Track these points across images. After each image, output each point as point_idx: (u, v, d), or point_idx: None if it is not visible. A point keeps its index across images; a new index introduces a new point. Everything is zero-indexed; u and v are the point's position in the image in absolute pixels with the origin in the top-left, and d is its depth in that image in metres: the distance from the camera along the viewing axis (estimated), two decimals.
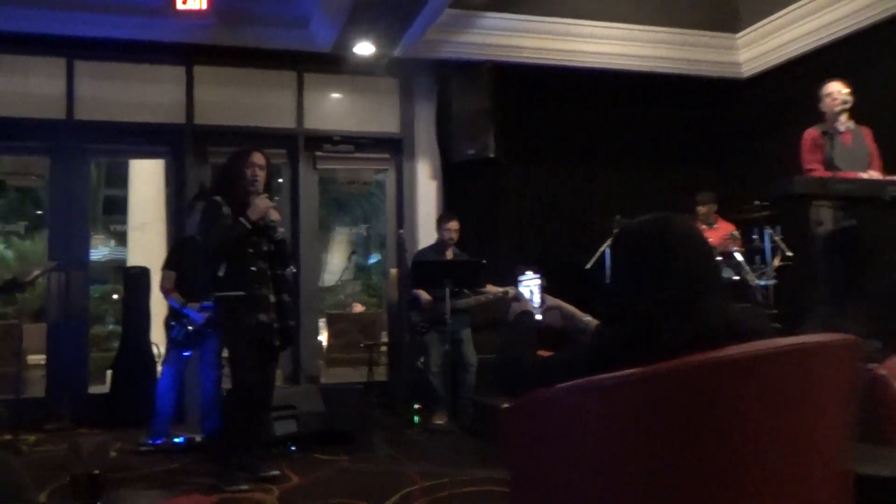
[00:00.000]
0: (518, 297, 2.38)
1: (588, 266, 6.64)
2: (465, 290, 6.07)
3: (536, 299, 2.46)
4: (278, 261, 4.14)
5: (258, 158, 4.12)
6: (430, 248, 6.34)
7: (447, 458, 4.68)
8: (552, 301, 2.39)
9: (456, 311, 5.87)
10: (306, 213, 7.24)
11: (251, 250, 4.01)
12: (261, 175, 4.10)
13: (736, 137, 7.77)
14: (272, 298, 4.05)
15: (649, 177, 7.64)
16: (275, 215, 4.10)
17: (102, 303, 11.40)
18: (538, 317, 2.33)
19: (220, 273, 4.01)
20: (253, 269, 3.99)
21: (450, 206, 7.13)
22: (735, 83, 7.75)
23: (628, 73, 7.38)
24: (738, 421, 1.38)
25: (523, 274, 2.71)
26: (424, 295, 6.00)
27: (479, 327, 6.22)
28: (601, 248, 6.62)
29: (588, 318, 2.25)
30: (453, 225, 6.15)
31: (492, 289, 6.02)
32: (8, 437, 5.12)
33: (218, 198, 4.07)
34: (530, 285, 2.56)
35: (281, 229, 4.17)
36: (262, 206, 4.03)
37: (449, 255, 6.21)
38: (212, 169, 7.01)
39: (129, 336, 6.50)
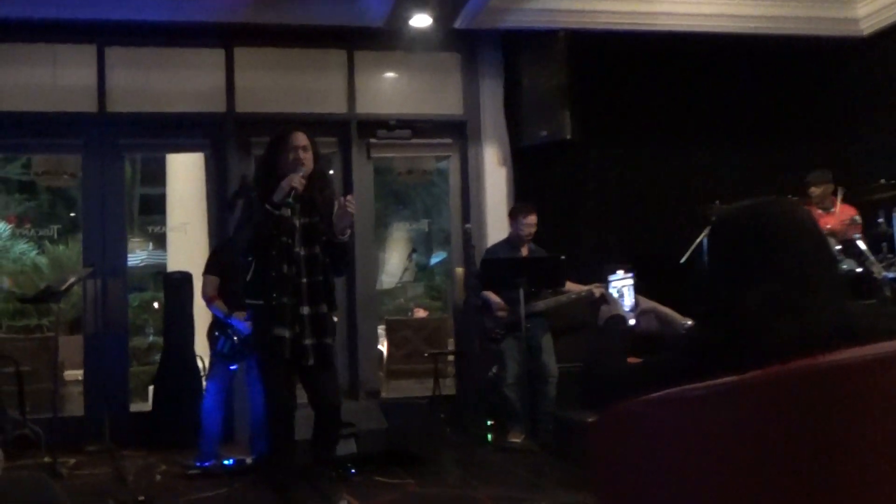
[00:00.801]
0: (607, 299, 2.38)
1: (683, 260, 6.56)
2: (544, 291, 6.07)
3: (628, 301, 2.46)
4: (317, 260, 3.95)
5: (298, 139, 3.99)
6: (502, 243, 6.36)
7: (525, 481, 4.70)
8: (646, 303, 2.39)
9: (533, 314, 5.88)
10: (360, 207, 7.29)
11: (274, 252, 3.87)
12: (305, 158, 3.96)
13: (855, 106, 7.53)
14: (305, 310, 3.91)
15: (752, 156, 7.47)
16: (296, 181, 3.87)
17: (142, 312, 11.75)
18: (631, 321, 2.33)
19: (248, 277, 3.97)
20: (273, 273, 3.85)
21: (521, 194, 7.13)
22: (852, 42, 7.52)
23: (724, 35, 7.23)
24: (853, 433, 1.36)
25: (613, 272, 2.71)
26: (495, 297, 6.03)
27: (560, 332, 6.22)
28: (697, 240, 6.53)
29: (688, 321, 2.24)
30: (531, 219, 6.15)
31: (573, 287, 6.01)
32: (46, 459, 5.33)
33: (253, 194, 4.05)
34: (621, 285, 2.56)
35: (350, 211, 3.89)
36: (286, 183, 3.86)
37: (524, 251, 6.22)
38: (255, 162, 7.19)
39: (171, 348, 6.70)
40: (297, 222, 3.95)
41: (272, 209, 3.85)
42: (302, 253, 3.95)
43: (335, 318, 4.18)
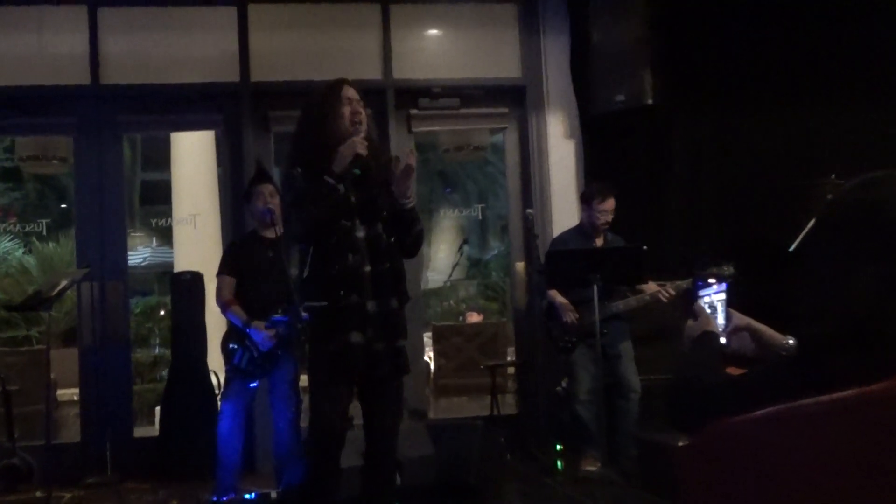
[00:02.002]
0: (696, 313, 2.36)
1: (792, 248, 6.46)
2: (621, 289, 6.03)
3: (721, 318, 2.44)
4: (381, 245, 3.87)
5: (351, 91, 3.93)
6: (572, 232, 6.33)
7: None
8: (740, 319, 2.36)
9: (611, 317, 5.85)
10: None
11: (335, 238, 3.80)
12: (363, 118, 3.90)
13: None
14: (371, 307, 3.84)
15: (877, 120, 7.32)
16: (360, 145, 3.81)
17: (146, 320, 11.94)
18: (722, 339, 2.31)
19: (305, 273, 3.86)
20: (336, 266, 3.78)
21: (592, 172, 7.09)
22: None
23: None
24: None
25: (703, 283, 2.68)
26: (560, 298, 6.02)
27: (642, 339, 6.18)
28: (810, 224, 6.43)
29: (791, 340, 2.21)
30: (608, 204, 6.11)
31: (652, 287, 5.96)
32: (39, 493, 5.44)
33: (297, 170, 3.87)
34: (713, 300, 2.54)
35: (412, 166, 3.82)
36: (348, 149, 3.79)
37: (599, 241, 6.19)
38: (273, 140, 7.24)
39: (180, 362, 6.80)
40: (353, 199, 3.86)
41: (335, 183, 3.76)
42: (361, 235, 3.86)
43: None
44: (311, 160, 3.84)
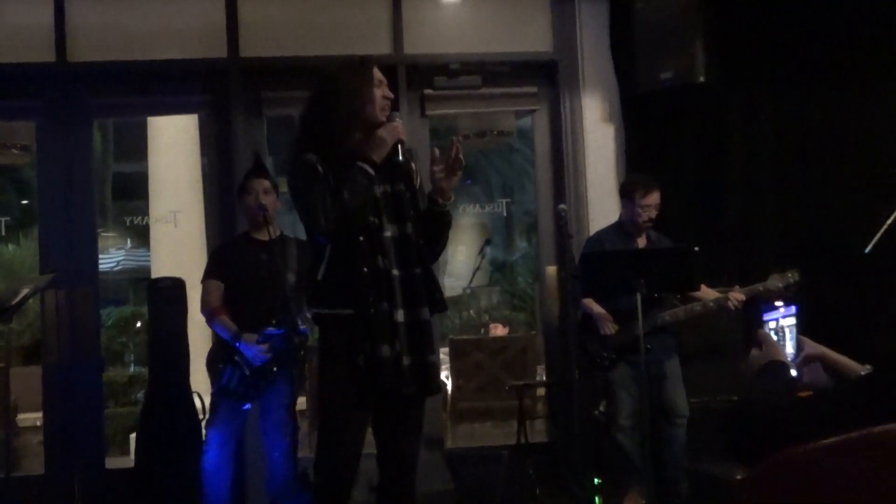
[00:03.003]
0: (761, 341, 2.36)
1: (868, 249, 6.44)
2: (668, 297, 6.03)
3: (790, 346, 2.44)
4: (412, 247, 3.86)
5: (378, 74, 3.94)
6: (610, 231, 6.33)
7: None
8: (813, 348, 2.36)
9: (655, 330, 5.84)
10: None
11: (362, 237, 3.77)
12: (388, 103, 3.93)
13: None
14: (400, 316, 3.82)
15: None
16: (402, 129, 3.84)
17: (119, 333, 11.99)
18: (792, 371, 2.30)
19: (320, 276, 3.80)
20: (365, 269, 3.75)
21: (635, 161, 7.09)
22: None
23: None
24: None
25: (769, 306, 2.68)
26: (596, 307, 6.01)
27: (690, 355, 6.17)
28: (889, 220, 6.41)
29: (867, 368, 2.20)
30: (652, 199, 6.10)
31: (707, 293, 5.95)
32: None
33: (311, 156, 3.82)
34: (781, 324, 2.53)
35: (461, 160, 3.91)
36: (391, 133, 3.81)
37: (641, 241, 6.19)
38: (266, 126, 7.26)
39: (159, 383, 6.79)
40: (377, 192, 3.85)
41: (370, 168, 3.73)
42: (389, 234, 3.85)
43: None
44: (330, 146, 3.81)
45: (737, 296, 5.88)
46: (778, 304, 2.60)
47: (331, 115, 3.87)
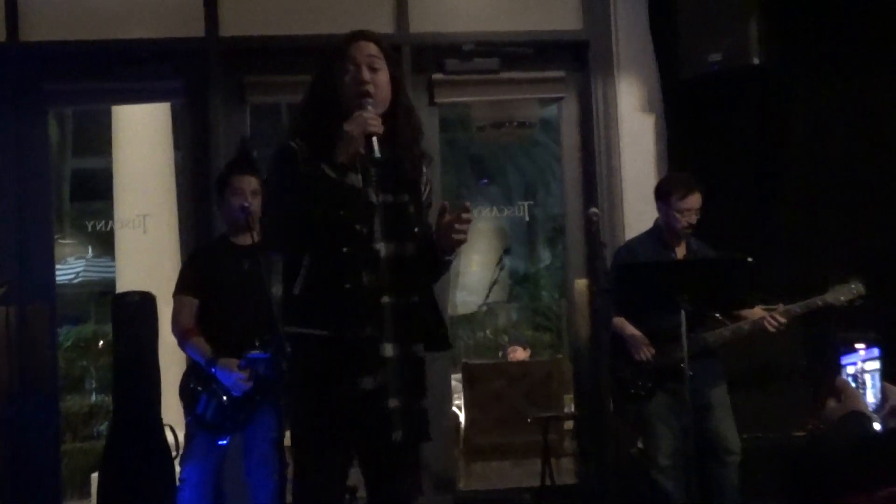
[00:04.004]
0: (839, 390, 2.37)
1: None
2: (712, 315, 6.02)
3: (871, 394, 2.45)
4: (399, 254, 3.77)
5: (365, 48, 3.83)
6: (643, 239, 6.31)
7: None
8: None
9: (699, 354, 5.84)
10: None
11: (344, 249, 3.69)
12: (376, 81, 3.79)
13: None
14: (389, 351, 3.74)
15: None
16: (372, 121, 3.67)
17: (79, 356, 11.98)
18: (875, 424, 2.30)
19: (296, 290, 3.74)
20: (347, 286, 3.68)
21: (679, 157, 7.11)
22: None
23: None
24: None
25: (848, 348, 2.68)
26: (630, 328, 6.01)
27: (739, 383, 6.15)
28: None
29: None
30: (692, 201, 6.07)
31: (756, 313, 5.93)
32: None
33: (294, 143, 3.80)
34: (861, 368, 2.54)
35: (468, 221, 3.73)
36: (357, 125, 3.66)
37: (680, 250, 6.18)
38: (250, 114, 7.26)
39: (125, 413, 6.78)
40: (374, 199, 3.77)
41: (335, 175, 3.65)
42: (383, 253, 3.77)
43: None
44: (312, 142, 3.77)
45: (777, 318, 5.85)
46: (859, 346, 2.60)
47: (310, 104, 3.91)
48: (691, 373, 5.61)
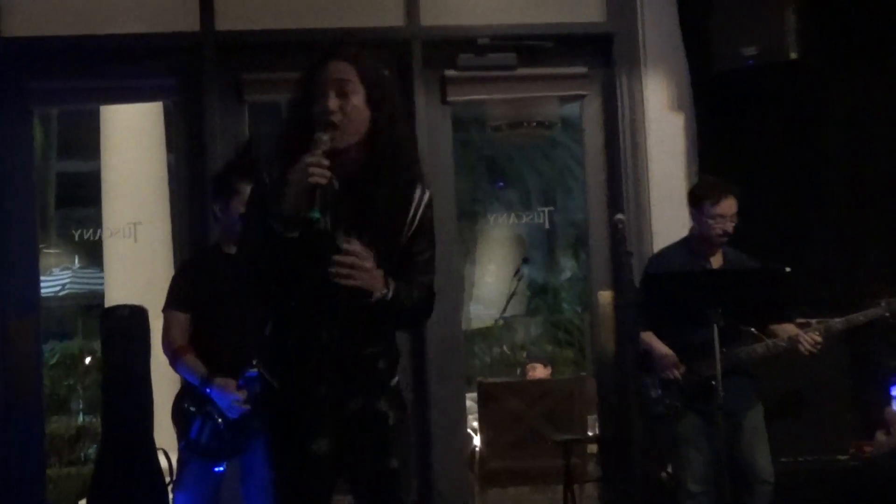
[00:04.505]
0: (890, 422, 2.36)
1: None
2: (745, 330, 6.01)
3: None
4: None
5: (334, 71, 3.70)
6: (676, 248, 6.33)
7: None
8: None
9: (733, 372, 5.83)
10: (432, 186, 7.30)
11: (294, 303, 3.73)
12: (349, 106, 3.66)
13: None
14: (353, 405, 3.76)
15: None
16: (317, 171, 3.50)
17: (65, 374, 12.00)
18: None
19: (266, 331, 3.82)
20: (296, 341, 3.74)
21: (710, 159, 7.10)
22: None
23: None
24: None
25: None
26: (659, 345, 6.01)
27: (773, 403, 6.13)
28: None
29: None
30: (726, 207, 6.05)
31: (790, 329, 5.91)
32: None
33: (266, 174, 3.79)
34: None
35: (350, 264, 3.54)
36: (299, 175, 3.52)
37: (715, 260, 6.16)
38: (249, 115, 7.28)
39: (114, 436, 6.78)
40: (341, 242, 3.65)
41: (281, 228, 3.56)
42: (345, 303, 3.69)
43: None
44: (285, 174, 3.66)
45: (812, 337, 5.83)
46: None
47: (283, 131, 3.86)
48: (723, 392, 5.60)
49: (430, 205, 3.83)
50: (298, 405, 3.72)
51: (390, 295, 3.61)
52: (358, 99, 3.66)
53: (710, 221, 6.06)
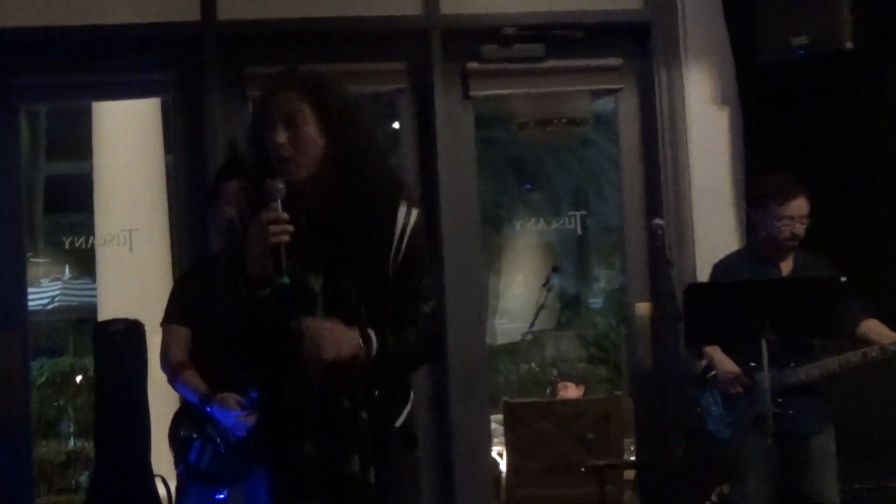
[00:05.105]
0: None
1: None
2: (816, 343, 5.98)
3: None
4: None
5: (282, 103, 3.64)
6: (743, 254, 6.35)
7: None
8: None
9: (801, 390, 5.83)
10: (453, 189, 7.39)
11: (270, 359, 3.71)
12: (300, 137, 3.61)
13: None
14: (355, 467, 3.68)
15: None
16: (275, 230, 3.43)
17: (55, 394, 12.05)
18: None
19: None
20: (281, 394, 3.72)
21: (758, 155, 7.09)
22: None
23: None
24: None
25: None
26: (725, 361, 5.98)
27: (848, 422, 6.10)
28: None
29: None
30: (796, 207, 5.99)
31: (877, 330, 5.88)
32: None
33: (237, 223, 3.79)
34: None
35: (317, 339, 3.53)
36: (257, 239, 3.50)
37: (786, 267, 6.14)
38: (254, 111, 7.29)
39: (108, 461, 6.78)
40: (316, 285, 3.67)
41: (248, 292, 3.56)
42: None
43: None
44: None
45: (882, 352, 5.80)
46: None
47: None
48: (790, 412, 5.58)
49: (420, 225, 3.68)
50: (286, 465, 3.76)
51: (374, 351, 3.57)
52: (310, 129, 3.62)
53: (778, 224, 6.00)
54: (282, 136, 3.56)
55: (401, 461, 3.80)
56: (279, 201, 3.42)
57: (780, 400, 5.59)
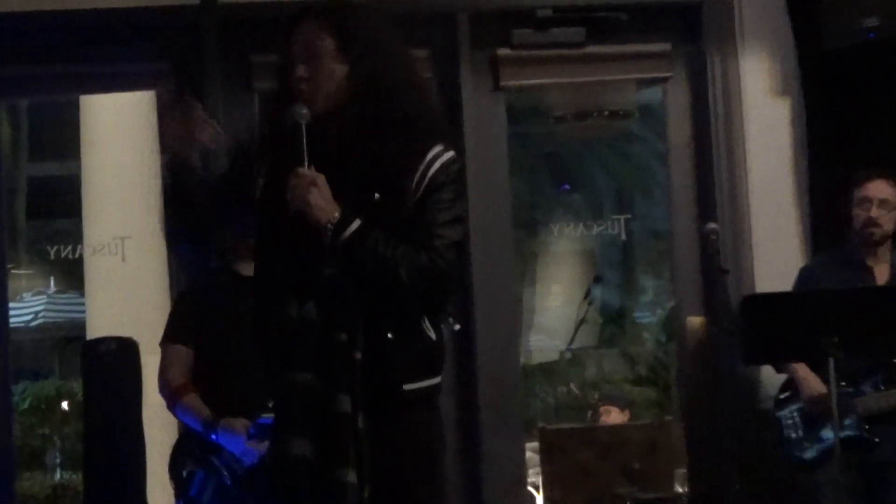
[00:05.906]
0: None
1: None
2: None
3: None
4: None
5: (298, 35, 3.90)
6: (832, 256, 6.37)
7: None
8: None
9: (883, 415, 5.84)
10: (482, 190, 7.38)
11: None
12: (316, 69, 3.82)
13: None
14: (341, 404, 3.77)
15: None
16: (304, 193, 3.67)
17: (39, 421, 12.10)
18: None
19: None
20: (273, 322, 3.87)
21: (823, 149, 7.08)
22: None
23: None
24: None
25: None
26: (811, 379, 6.00)
27: None
28: None
29: None
30: (876, 189, 6.00)
31: None
32: None
33: (256, 167, 4.03)
34: None
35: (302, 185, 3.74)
36: (296, 201, 3.73)
37: (881, 272, 6.15)
38: (259, 104, 7.34)
39: (98, 496, 6.83)
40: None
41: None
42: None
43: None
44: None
45: None
46: None
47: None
48: (876, 438, 5.58)
49: (451, 163, 3.80)
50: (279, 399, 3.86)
51: (349, 233, 3.68)
52: (327, 60, 3.82)
53: (857, 210, 6.00)
54: (300, 70, 3.79)
55: (408, 426, 3.83)
56: (303, 126, 3.67)
57: (867, 426, 5.59)
